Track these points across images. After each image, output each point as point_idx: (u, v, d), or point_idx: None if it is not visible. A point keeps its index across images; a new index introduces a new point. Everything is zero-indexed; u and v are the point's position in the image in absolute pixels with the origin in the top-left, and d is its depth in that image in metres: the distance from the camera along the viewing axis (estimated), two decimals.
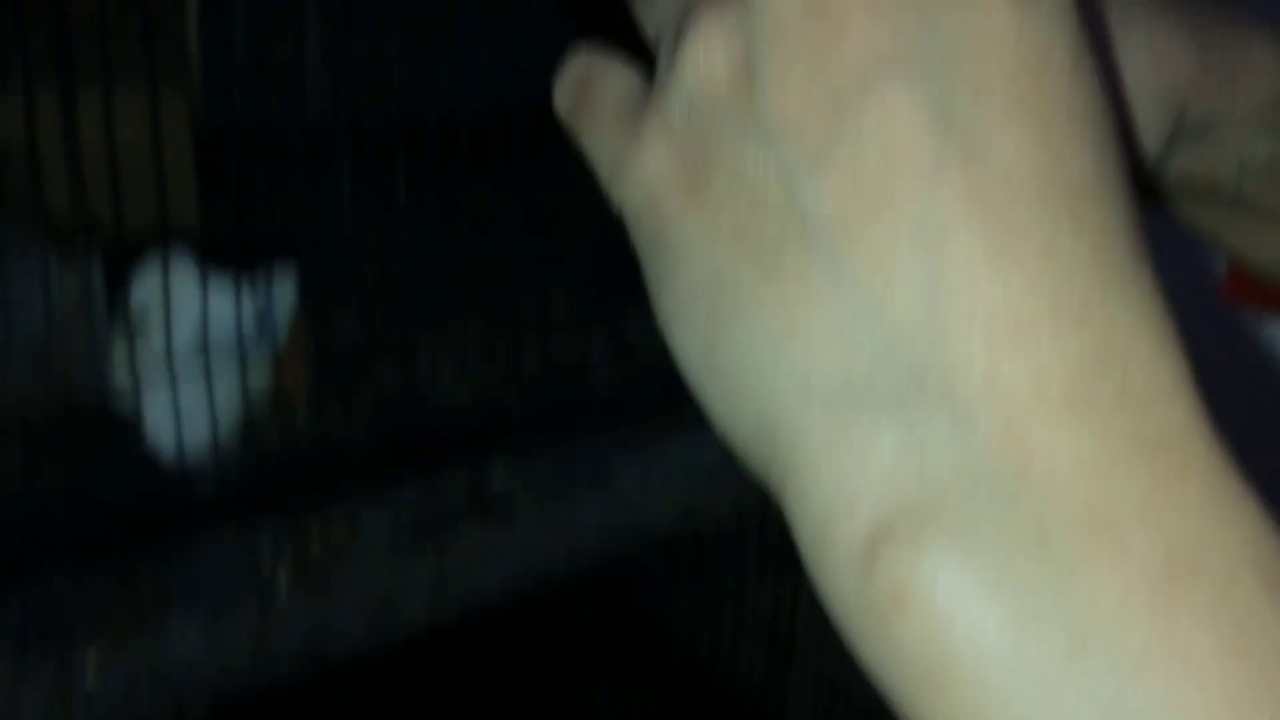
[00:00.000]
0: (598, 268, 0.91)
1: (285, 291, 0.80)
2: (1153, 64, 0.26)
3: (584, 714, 1.17)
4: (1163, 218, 0.29)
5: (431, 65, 0.78)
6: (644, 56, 0.23)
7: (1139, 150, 0.27)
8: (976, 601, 0.16)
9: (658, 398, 0.84)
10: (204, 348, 0.72)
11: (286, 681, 0.70)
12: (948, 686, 0.16)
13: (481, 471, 0.79)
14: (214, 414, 0.73)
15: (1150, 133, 0.27)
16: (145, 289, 0.75)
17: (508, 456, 0.80)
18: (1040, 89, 0.17)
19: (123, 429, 0.76)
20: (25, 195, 0.68)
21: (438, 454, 0.80)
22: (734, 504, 0.89)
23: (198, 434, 0.75)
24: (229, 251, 0.76)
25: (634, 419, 0.85)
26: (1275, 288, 0.32)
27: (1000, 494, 0.16)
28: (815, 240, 0.17)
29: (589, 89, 0.23)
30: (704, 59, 0.18)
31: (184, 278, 0.73)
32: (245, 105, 0.76)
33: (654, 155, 0.20)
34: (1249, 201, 0.29)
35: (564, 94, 0.23)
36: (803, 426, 0.17)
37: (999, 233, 0.16)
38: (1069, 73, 0.17)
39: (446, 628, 0.76)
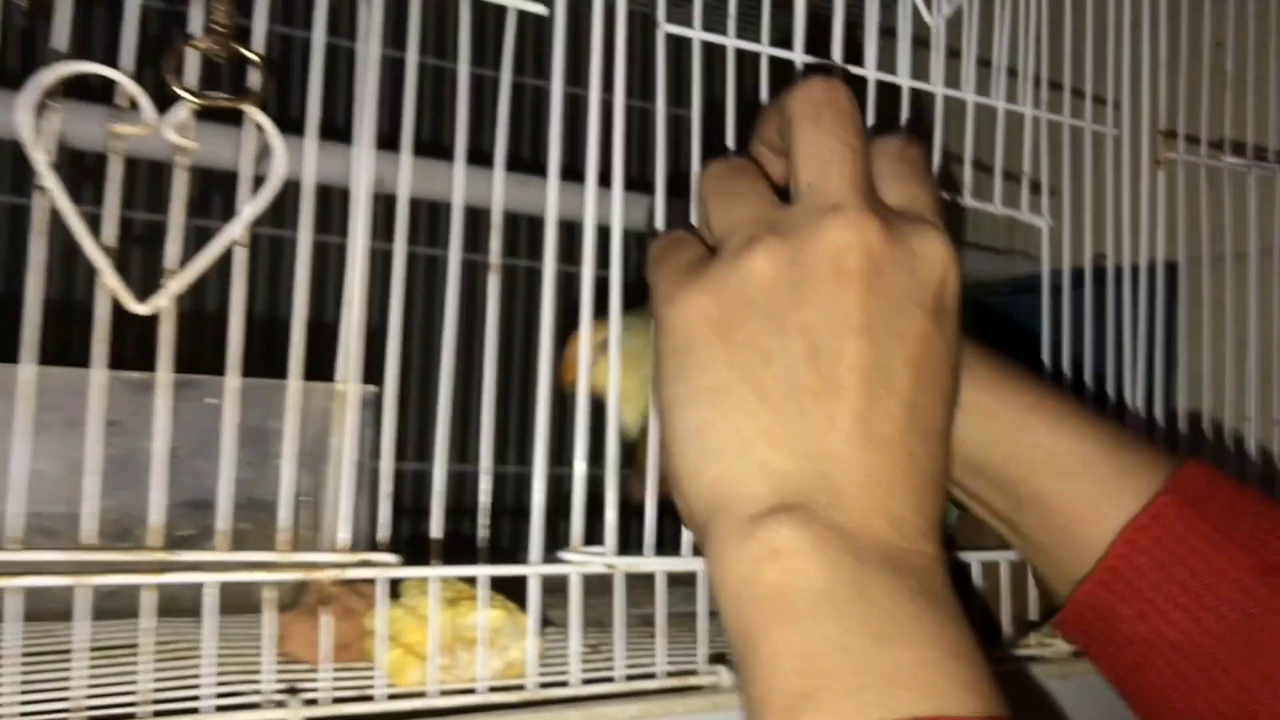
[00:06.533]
0: None
1: None
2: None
3: None
4: None
5: None
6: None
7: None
8: (815, 556, 0.30)
9: None
10: None
11: None
12: (784, 604, 0.30)
13: None
14: None
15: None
16: None
17: None
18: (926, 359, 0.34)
19: None
20: None
21: None
22: None
23: None
24: None
25: None
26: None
27: (834, 505, 0.31)
28: (797, 392, 0.32)
29: (673, 248, 0.37)
30: (761, 268, 0.33)
31: None
32: None
33: (702, 295, 0.34)
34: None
35: (656, 248, 0.38)
36: (750, 476, 0.32)
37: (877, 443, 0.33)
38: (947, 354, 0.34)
39: None
